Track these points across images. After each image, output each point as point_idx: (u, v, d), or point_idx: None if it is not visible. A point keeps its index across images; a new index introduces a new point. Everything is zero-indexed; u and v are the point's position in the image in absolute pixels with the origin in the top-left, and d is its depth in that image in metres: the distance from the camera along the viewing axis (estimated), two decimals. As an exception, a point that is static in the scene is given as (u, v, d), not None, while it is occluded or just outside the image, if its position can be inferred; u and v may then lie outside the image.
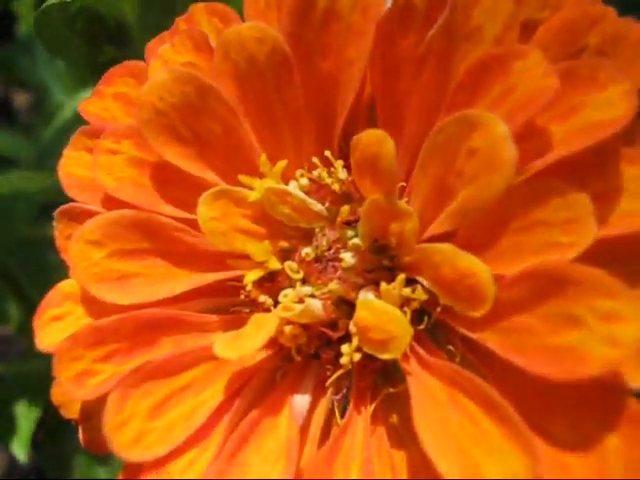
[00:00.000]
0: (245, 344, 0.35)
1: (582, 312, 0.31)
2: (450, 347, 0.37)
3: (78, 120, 0.44)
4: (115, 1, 0.61)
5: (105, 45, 0.63)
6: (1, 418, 0.73)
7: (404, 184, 0.37)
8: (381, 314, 0.35)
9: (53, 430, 0.75)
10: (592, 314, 0.30)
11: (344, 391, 0.39)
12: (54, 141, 0.92)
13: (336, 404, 0.39)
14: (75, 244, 0.37)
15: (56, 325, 0.38)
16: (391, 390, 0.38)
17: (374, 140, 0.33)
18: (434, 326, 0.38)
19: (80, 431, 0.40)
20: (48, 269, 0.83)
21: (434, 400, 0.34)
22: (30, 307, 0.81)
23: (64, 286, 0.39)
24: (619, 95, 0.33)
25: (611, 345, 0.30)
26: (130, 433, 0.35)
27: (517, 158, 0.31)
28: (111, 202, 0.38)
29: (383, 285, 0.36)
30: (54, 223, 0.40)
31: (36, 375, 0.76)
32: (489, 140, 0.31)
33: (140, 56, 0.67)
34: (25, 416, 0.70)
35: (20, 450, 0.69)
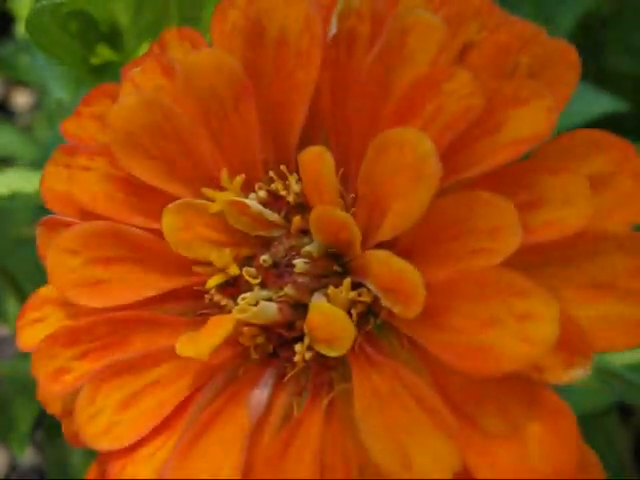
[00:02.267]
0: (203, 343, 0.38)
1: (501, 312, 0.34)
2: (396, 344, 0.40)
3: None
4: (107, 3, 0.62)
5: (99, 47, 0.66)
6: (0, 418, 0.75)
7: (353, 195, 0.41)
8: (328, 315, 0.38)
9: (53, 430, 0.77)
10: (510, 314, 0.33)
11: (303, 386, 0.42)
12: (54, 141, 0.94)
13: (295, 399, 0.42)
14: (53, 252, 0.41)
15: (36, 327, 0.42)
16: (345, 386, 0.41)
17: (315, 156, 0.36)
18: (385, 326, 0.41)
19: (63, 426, 0.44)
20: (45, 269, 0.85)
21: (375, 393, 0.37)
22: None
23: (43, 291, 0.42)
24: (541, 111, 0.35)
25: (527, 343, 0.33)
26: (100, 425, 0.39)
27: (440, 172, 0.34)
28: (87, 215, 0.42)
29: (331, 289, 0.39)
30: (36, 233, 0.44)
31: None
32: (415, 156, 0.34)
33: (134, 59, 0.68)
34: (24, 416, 0.72)
35: (19, 450, 0.70)
